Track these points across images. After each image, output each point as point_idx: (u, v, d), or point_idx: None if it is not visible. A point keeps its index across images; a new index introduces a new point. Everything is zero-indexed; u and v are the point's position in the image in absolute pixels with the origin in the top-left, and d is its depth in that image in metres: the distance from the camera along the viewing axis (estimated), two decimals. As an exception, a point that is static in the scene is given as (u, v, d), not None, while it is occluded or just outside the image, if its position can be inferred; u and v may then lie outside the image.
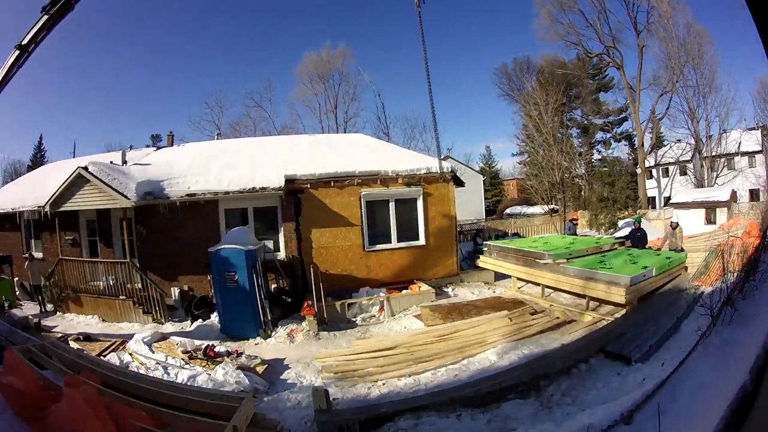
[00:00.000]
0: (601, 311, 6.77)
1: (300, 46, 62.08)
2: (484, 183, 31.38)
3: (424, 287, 8.68)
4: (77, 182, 8.42)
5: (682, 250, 9.01)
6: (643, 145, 27.06)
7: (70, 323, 8.28)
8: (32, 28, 5.38)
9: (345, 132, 27.92)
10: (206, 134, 32.71)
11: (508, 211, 31.22)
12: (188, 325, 7.68)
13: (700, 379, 2.39)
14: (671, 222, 9.72)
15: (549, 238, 11.44)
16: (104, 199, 8.31)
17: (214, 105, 44.78)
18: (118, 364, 5.32)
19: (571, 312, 7.00)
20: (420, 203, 9.60)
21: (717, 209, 17.37)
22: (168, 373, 5.17)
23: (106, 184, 8.16)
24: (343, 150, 11.18)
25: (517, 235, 19.24)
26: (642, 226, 10.29)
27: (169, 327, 7.75)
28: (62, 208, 8.68)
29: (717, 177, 24.14)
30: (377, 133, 29.81)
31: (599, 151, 31.57)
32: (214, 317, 7.56)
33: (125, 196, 8.04)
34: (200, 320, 7.71)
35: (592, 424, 2.90)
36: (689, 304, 5.90)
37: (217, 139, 16.24)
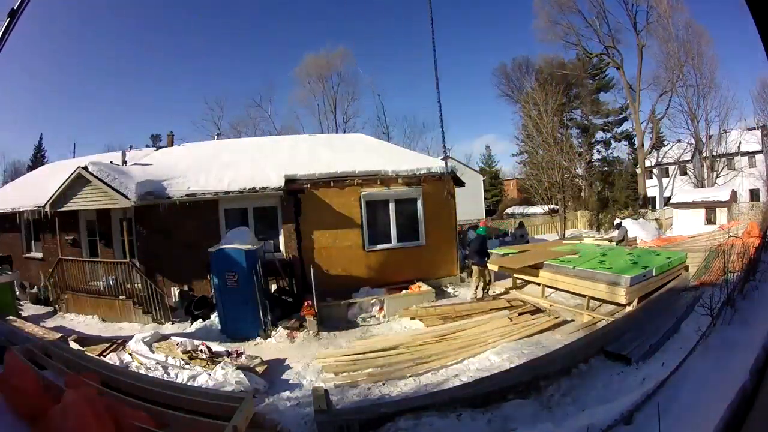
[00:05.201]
0: (601, 311, 6.78)
1: (300, 46, 62.11)
2: (484, 183, 31.34)
3: (424, 287, 8.68)
4: (77, 182, 8.42)
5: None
6: (643, 145, 27.04)
7: (70, 323, 8.27)
8: None
9: (345, 132, 27.93)
10: (206, 134, 32.80)
11: (508, 210, 31.25)
12: (188, 326, 7.67)
13: (700, 379, 2.39)
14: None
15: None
16: (104, 199, 8.31)
17: (214, 105, 44.86)
18: (118, 364, 5.32)
19: (571, 312, 7.01)
20: (420, 203, 9.60)
21: (717, 209, 17.36)
22: (168, 373, 5.16)
23: (106, 184, 8.16)
24: (343, 150, 11.18)
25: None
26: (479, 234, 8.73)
27: (169, 327, 7.75)
28: (62, 208, 8.68)
29: (717, 177, 24.14)
30: (377, 133, 29.93)
31: (599, 151, 31.61)
32: (214, 317, 7.56)
33: (125, 196, 8.03)
34: (200, 320, 7.70)
35: (592, 424, 2.89)
36: (689, 304, 5.90)
37: (217, 139, 16.24)
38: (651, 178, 28.80)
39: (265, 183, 8.87)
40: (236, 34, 55.10)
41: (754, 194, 22.99)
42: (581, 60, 30.17)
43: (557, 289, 7.76)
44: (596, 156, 31.30)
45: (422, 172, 9.58)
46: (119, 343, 6.18)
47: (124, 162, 10.46)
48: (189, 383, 4.81)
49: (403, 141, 32.31)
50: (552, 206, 24.75)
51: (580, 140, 30.81)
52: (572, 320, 6.71)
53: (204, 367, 5.34)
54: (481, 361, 5.29)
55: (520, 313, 7.02)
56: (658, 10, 24.77)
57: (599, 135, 31.63)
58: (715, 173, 24.33)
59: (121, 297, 8.30)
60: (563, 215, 21.41)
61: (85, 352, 5.42)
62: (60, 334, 6.63)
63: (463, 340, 5.94)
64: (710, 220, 17.12)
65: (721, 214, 17.08)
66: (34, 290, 10.19)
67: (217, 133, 20.29)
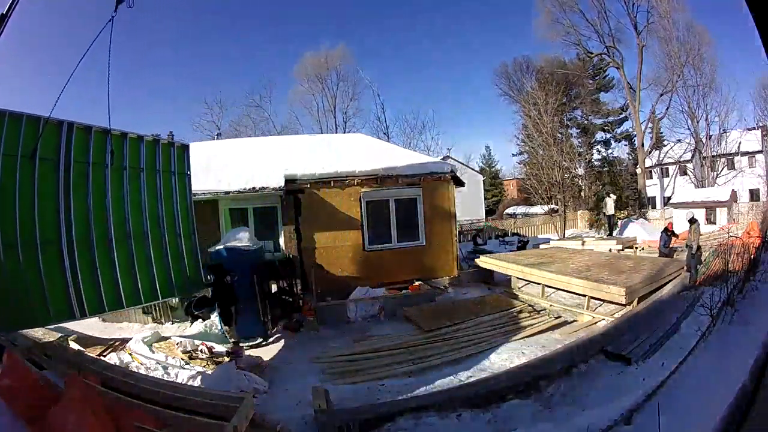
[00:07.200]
0: (601, 311, 6.78)
1: (299, 45, 61.97)
2: (484, 183, 31.33)
3: (424, 287, 8.68)
4: (77, 182, 8.41)
5: (699, 248, 7.73)
6: (643, 145, 27.02)
7: (70, 323, 8.26)
8: None
9: (344, 132, 27.91)
10: (206, 134, 32.66)
11: (508, 211, 31.23)
12: (188, 326, 7.67)
13: (700, 379, 2.39)
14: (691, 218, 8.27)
15: None
16: (104, 199, 8.29)
17: (214, 105, 44.66)
18: (118, 364, 5.32)
19: (571, 312, 7.01)
20: (420, 203, 9.60)
21: (717, 209, 17.36)
22: (168, 373, 5.16)
23: (106, 184, 8.15)
24: (343, 150, 11.18)
25: (517, 235, 19.23)
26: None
27: (169, 327, 7.75)
28: (62, 208, 8.67)
29: (717, 177, 24.13)
30: (377, 133, 29.82)
31: (599, 151, 31.56)
32: (215, 317, 7.55)
33: (125, 196, 8.02)
34: (200, 320, 7.70)
35: (592, 425, 2.90)
36: (689, 304, 5.90)
37: (217, 139, 16.25)
38: (651, 178, 28.79)
39: (265, 183, 8.86)
40: (236, 34, 55.07)
41: (754, 194, 22.96)
42: (582, 60, 30.15)
43: (557, 289, 7.76)
44: (596, 156, 31.31)
45: (422, 172, 9.58)
46: (119, 343, 6.19)
47: (124, 162, 10.45)
48: (189, 383, 4.81)
49: (403, 141, 32.25)
50: (552, 206, 24.74)
51: (580, 140, 30.78)
52: (572, 320, 6.71)
53: (204, 367, 5.34)
54: (481, 361, 5.29)
55: (520, 313, 7.02)
56: (659, 9, 24.76)
57: (599, 135, 31.61)
58: (715, 173, 24.32)
59: (121, 297, 8.29)
60: (563, 215, 21.39)
61: (85, 352, 5.43)
62: (60, 334, 6.64)
63: (463, 340, 5.94)
64: (710, 220, 17.11)
65: (721, 214, 17.08)
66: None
67: (217, 133, 20.34)
